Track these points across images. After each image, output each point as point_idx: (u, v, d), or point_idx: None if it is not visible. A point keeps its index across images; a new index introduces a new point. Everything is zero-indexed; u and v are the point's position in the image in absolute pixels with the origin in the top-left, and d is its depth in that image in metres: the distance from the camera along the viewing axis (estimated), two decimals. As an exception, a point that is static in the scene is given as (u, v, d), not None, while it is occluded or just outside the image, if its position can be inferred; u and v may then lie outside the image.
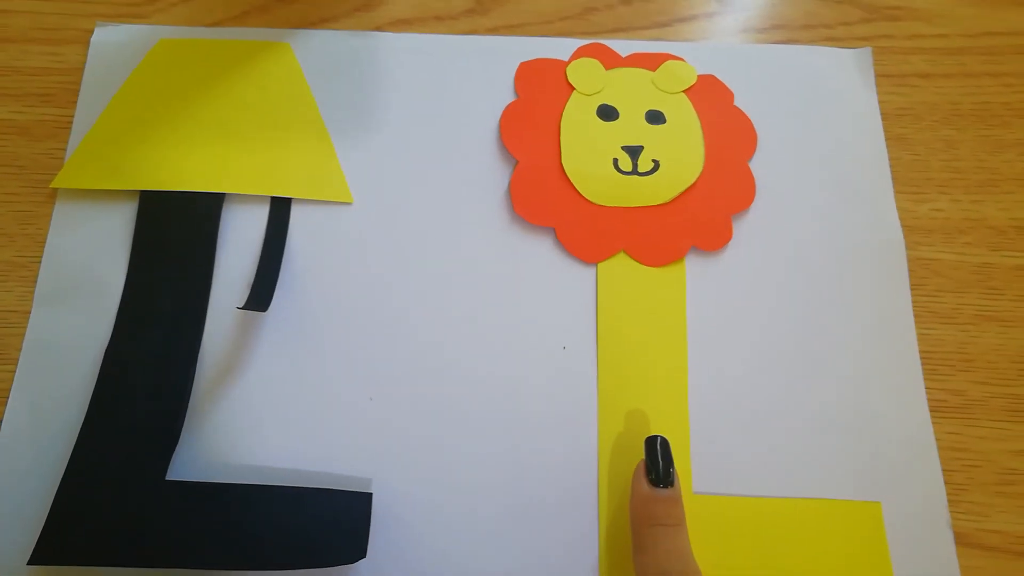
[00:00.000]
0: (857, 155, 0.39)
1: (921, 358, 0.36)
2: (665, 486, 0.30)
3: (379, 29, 0.41)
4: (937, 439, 0.34)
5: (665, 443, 0.31)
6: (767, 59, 0.41)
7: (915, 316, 0.36)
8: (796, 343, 0.36)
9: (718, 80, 0.40)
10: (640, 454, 0.32)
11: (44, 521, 0.30)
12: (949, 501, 0.33)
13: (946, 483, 0.34)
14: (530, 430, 0.34)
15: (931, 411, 0.35)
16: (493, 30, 0.42)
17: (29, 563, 0.29)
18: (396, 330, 0.35)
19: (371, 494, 0.32)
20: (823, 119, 0.40)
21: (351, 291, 0.36)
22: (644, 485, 0.30)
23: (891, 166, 0.39)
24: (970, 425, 0.35)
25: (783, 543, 0.32)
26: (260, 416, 0.34)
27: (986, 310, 0.37)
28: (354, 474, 0.33)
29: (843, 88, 0.41)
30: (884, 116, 0.40)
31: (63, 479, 0.31)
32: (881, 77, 0.41)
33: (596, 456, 0.34)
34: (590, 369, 0.35)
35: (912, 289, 0.37)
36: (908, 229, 0.38)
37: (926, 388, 0.35)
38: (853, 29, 0.42)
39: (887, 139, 0.40)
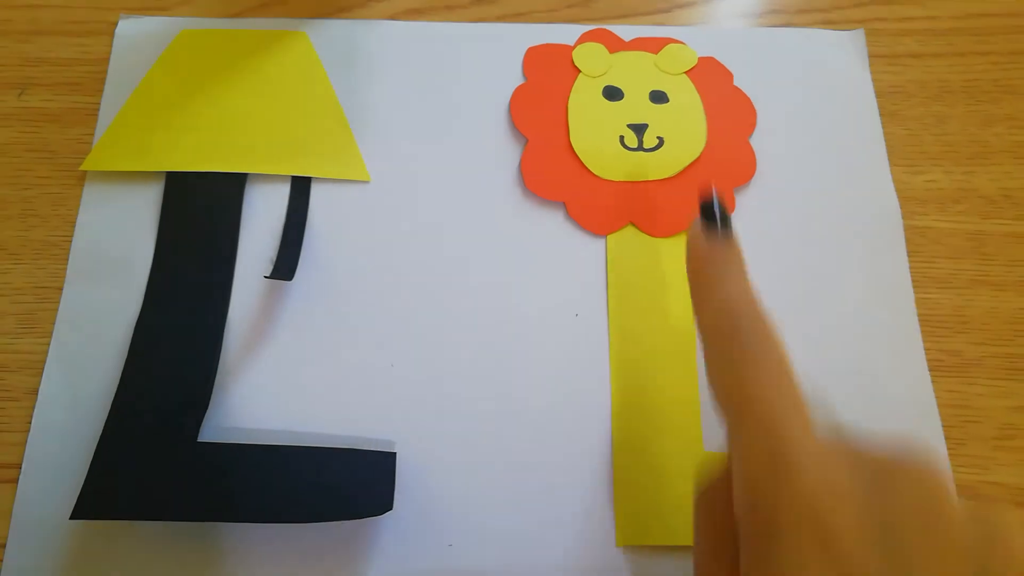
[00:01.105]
0: (853, 131, 0.41)
1: (919, 321, 0.37)
2: (724, 228, 0.27)
3: (392, 18, 0.43)
4: (936, 397, 0.36)
5: (721, 203, 0.28)
6: (765, 41, 0.43)
7: (913, 282, 0.38)
8: (798, 307, 0.37)
9: (718, 62, 0.42)
10: (652, 412, 0.34)
11: (83, 480, 0.31)
12: (949, 455, 0.35)
13: (946, 438, 0.35)
14: (545, 392, 0.35)
15: (930, 371, 0.36)
16: (501, 18, 0.43)
17: (71, 518, 0.30)
18: (414, 300, 0.37)
19: (395, 453, 0.33)
20: (820, 97, 0.42)
21: (370, 264, 0.37)
22: (700, 235, 0.27)
23: (886, 141, 0.41)
24: (968, 384, 0.36)
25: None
26: (285, 383, 0.35)
27: (980, 275, 0.38)
28: (377, 436, 0.34)
29: (838, 68, 0.42)
30: (878, 94, 0.42)
31: (100, 441, 0.32)
32: (874, 57, 0.43)
33: (609, 415, 0.35)
34: (602, 334, 0.36)
35: (909, 256, 0.38)
36: (904, 200, 0.39)
37: (925, 349, 0.37)
38: (847, 12, 0.44)
39: (881, 115, 0.41)
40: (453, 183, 0.39)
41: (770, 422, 0.22)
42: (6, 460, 0.33)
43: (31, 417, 0.34)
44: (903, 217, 0.39)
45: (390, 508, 0.31)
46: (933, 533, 0.20)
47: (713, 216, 0.27)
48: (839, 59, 0.43)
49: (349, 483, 0.32)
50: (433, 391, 0.35)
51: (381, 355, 0.36)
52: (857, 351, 0.36)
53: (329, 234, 0.38)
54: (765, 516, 0.21)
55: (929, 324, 0.37)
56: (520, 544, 0.33)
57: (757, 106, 0.41)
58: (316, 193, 0.39)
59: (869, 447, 0.22)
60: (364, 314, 0.36)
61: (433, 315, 0.36)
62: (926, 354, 0.36)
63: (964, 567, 0.19)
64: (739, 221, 0.38)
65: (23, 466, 0.33)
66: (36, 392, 0.34)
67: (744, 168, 0.40)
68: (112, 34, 0.42)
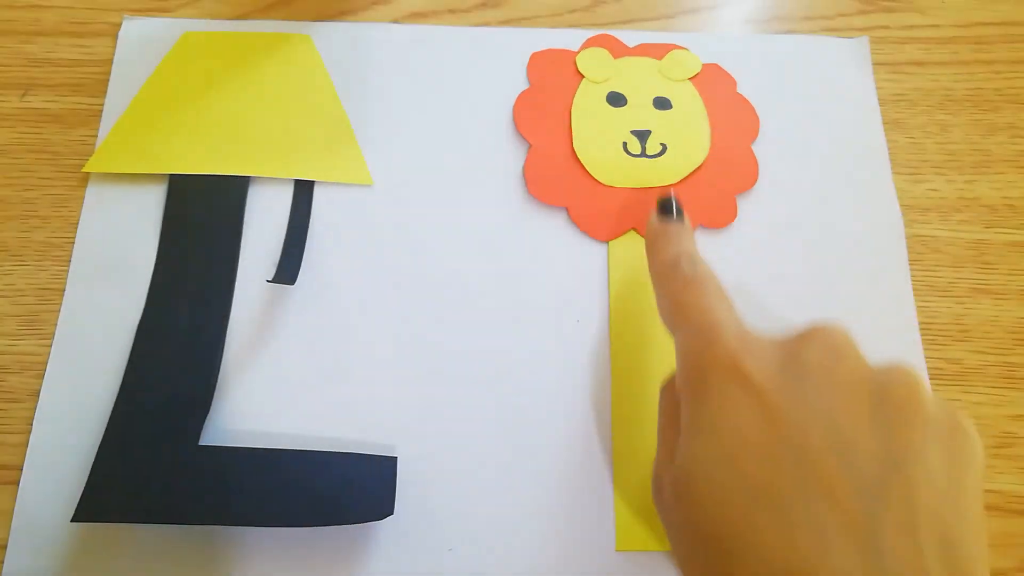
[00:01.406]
0: (855, 138, 0.41)
1: (920, 329, 0.37)
2: (673, 215, 0.32)
3: (396, 21, 0.43)
4: (936, 406, 0.36)
5: (677, 200, 0.33)
6: (769, 48, 0.43)
7: (914, 290, 0.38)
8: (800, 314, 0.37)
9: (722, 69, 0.42)
10: (652, 418, 0.34)
11: (84, 483, 0.31)
12: (949, 464, 0.35)
13: (945, 447, 0.35)
14: (546, 398, 0.35)
15: (930, 379, 0.36)
16: (505, 22, 0.43)
17: (72, 520, 0.30)
18: (416, 304, 0.37)
19: (396, 458, 0.33)
20: (823, 105, 0.42)
21: (372, 268, 0.37)
22: (654, 219, 0.33)
23: (888, 149, 0.41)
24: (967, 392, 0.36)
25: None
26: (286, 386, 0.35)
27: (981, 284, 0.38)
28: (378, 440, 0.34)
29: (841, 75, 0.43)
30: (881, 102, 0.42)
31: (101, 444, 0.32)
32: (878, 65, 0.43)
33: (610, 422, 0.35)
34: (603, 341, 0.36)
35: (910, 264, 0.38)
36: (906, 208, 0.39)
37: (925, 357, 0.37)
38: (851, 20, 0.44)
39: (884, 123, 0.41)
40: (456, 188, 0.39)
41: (700, 313, 0.27)
42: (8, 462, 0.33)
43: (32, 419, 0.34)
44: (905, 225, 0.39)
45: (391, 513, 0.31)
46: (834, 370, 0.25)
47: (669, 208, 0.33)
48: (842, 67, 0.43)
49: (350, 487, 0.32)
50: (434, 396, 0.35)
51: (383, 360, 0.36)
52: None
53: (331, 238, 0.38)
54: (697, 376, 0.26)
55: (929, 332, 0.37)
56: (520, 549, 0.33)
57: (760, 113, 0.41)
58: (319, 197, 0.39)
59: (789, 333, 0.27)
60: (365, 318, 0.36)
61: (434, 320, 0.36)
62: (926, 362, 0.37)
63: (862, 393, 0.24)
64: (740, 228, 0.38)
65: (24, 468, 0.33)
66: (38, 394, 0.34)
67: (747, 175, 0.40)
68: (115, 35, 0.42)
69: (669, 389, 0.29)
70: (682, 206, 0.33)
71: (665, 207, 0.32)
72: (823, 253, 0.39)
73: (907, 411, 0.24)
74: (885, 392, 0.24)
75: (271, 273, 0.36)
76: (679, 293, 0.28)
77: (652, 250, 0.32)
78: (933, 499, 0.22)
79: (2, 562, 0.32)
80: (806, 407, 0.24)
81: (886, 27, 0.44)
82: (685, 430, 0.26)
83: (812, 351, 0.25)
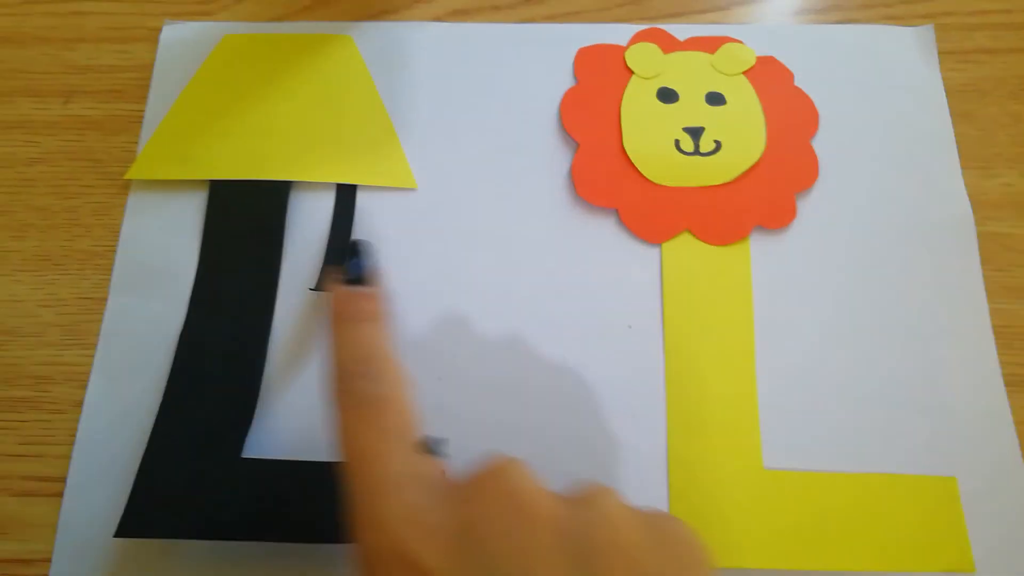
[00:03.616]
0: (922, 132, 0.39)
1: (994, 333, 0.35)
2: (356, 281, 0.27)
3: (438, 19, 0.42)
4: (1013, 413, 0.34)
5: (363, 243, 0.28)
6: (827, 39, 0.41)
7: (987, 292, 0.36)
8: (865, 318, 0.35)
9: (777, 61, 0.40)
10: (710, 429, 0.32)
11: (127, 497, 0.31)
12: (1026, 473, 0.33)
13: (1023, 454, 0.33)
14: (597, 407, 0.34)
15: (1007, 385, 0.34)
16: (550, 18, 0.42)
17: (115, 536, 0.30)
18: (462, 311, 0.36)
19: (443, 470, 0.32)
20: (886, 97, 0.40)
21: (417, 274, 0.36)
22: (338, 286, 0.27)
23: (957, 142, 0.39)
24: (1048, 399, 0.34)
25: (856, 519, 0.32)
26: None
27: (1060, 284, 0.36)
28: (425, 452, 0.33)
29: (905, 66, 0.40)
30: (948, 93, 0.40)
31: (143, 458, 0.32)
32: (944, 54, 0.41)
33: (664, 432, 0.33)
34: (656, 347, 0.35)
35: (982, 264, 0.36)
36: (976, 204, 0.37)
37: (1000, 363, 0.35)
38: (913, 7, 0.42)
39: (952, 115, 0.39)
40: (501, 190, 0.38)
41: (367, 464, 0.22)
42: (52, 473, 0.33)
43: (76, 430, 0.33)
44: (976, 223, 0.37)
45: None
46: (515, 533, 0.20)
47: (358, 268, 0.27)
48: (906, 56, 0.41)
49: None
50: (481, 405, 0.34)
51: (428, 368, 0.35)
52: (927, 364, 0.35)
53: (375, 243, 0.37)
54: (362, 562, 0.21)
55: (1005, 336, 0.35)
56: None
57: (819, 107, 0.39)
58: (361, 201, 0.38)
59: (462, 476, 0.22)
60: (410, 326, 0.35)
61: (480, 327, 0.35)
62: (1002, 368, 0.34)
63: (553, 554, 0.20)
64: (800, 228, 0.37)
65: (68, 480, 0.33)
66: (81, 405, 0.34)
67: (806, 172, 0.38)
68: (156, 40, 0.41)
69: None
70: (375, 263, 0.28)
71: (354, 268, 0.27)
72: (888, 254, 0.37)
73: (608, 556, 0.20)
74: (580, 542, 0.20)
75: (313, 280, 0.36)
76: (348, 418, 0.23)
77: (335, 331, 0.26)
78: None
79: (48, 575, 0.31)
80: None
81: (951, 13, 0.42)
82: None
83: (487, 512, 0.21)
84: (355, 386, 0.24)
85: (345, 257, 0.26)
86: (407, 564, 0.20)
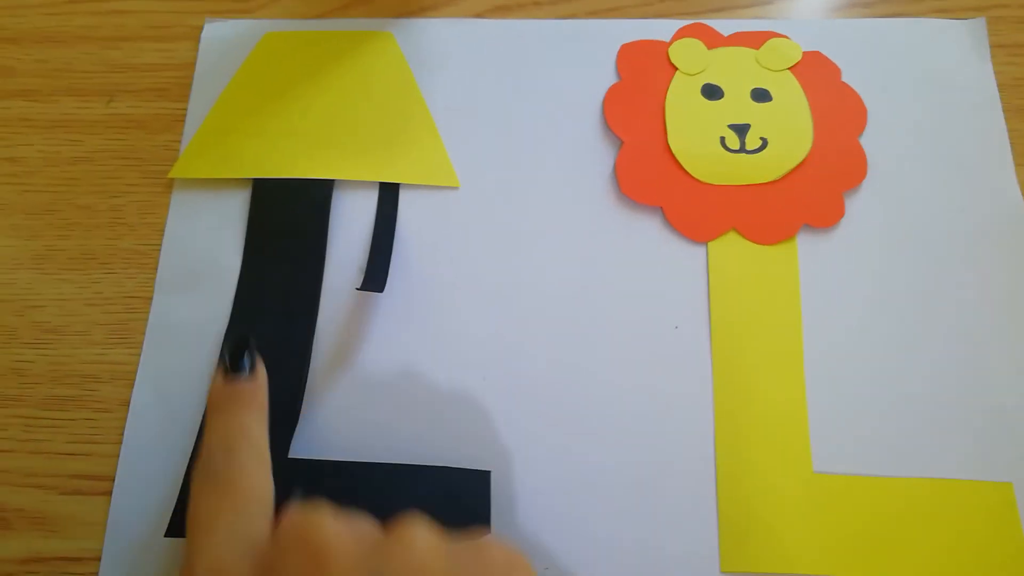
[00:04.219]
0: (973, 128, 0.38)
1: (1049, 336, 0.34)
2: (234, 371, 0.28)
3: (479, 16, 0.42)
4: (1067, 415, 0.33)
5: (242, 337, 0.29)
6: (875, 33, 0.40)
7: (1042, 292, 0.35)
8: (915, 319, 0.35)
9: (824, 56, 0.40)
10: (758, 430, 0.32)
11: (176, 496, 0.31)
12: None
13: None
14: (643, 409, 0.34)
15: (1062, 391, 0.33)
16: (592, 14, 0.41)
17: (166, 535, 0.30)
18: (506, 311, 0.35)
19: (489, 472, 0.32)
20: (936, 93, 0.39)
21: (461, 273, 0.36)
22: (217, 377, 0.28)
23: (1010, 138, 0.38)
24: (1105, 403, 0.33)
25: (908, 524, 0.31)
26: (374, 396, 0.34)
27: (1118, 284, 0.35)
28: (470, 452, 0.33)
29: (956, 60, 0.40)
30: (1001, 88, 0.39)
31: (191, 458, 0.32)
32: (996, 48, 0.40)
33: (712, 434, 0.33)
34: (703, 349, 0.34)
35: (1037, 265, 0.36)
36: (1030, 202, 0.37)
37: (1055, 367, 0.34)
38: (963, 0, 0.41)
39: (1005, 111, 0.38)
40: (545, 188, 0.38)
41: (194, 537, 0.24)
42: (101, 472, 0.33)
43: (124, 429, 0.34)
44: (1030, 222, 0.36)
45: (488, 529, 0.30)
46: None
47: (237, 364, 0.28)
48: (957, 50, 0.40)
49: (444, 502, 0.31)
50: (525, 406, 0.34)
51: (473, 368, 0.34)
52: (979, 365, 0.34)
53: (418, 243, 0.37)
54: None
55: (1060, 337, 0.34)
56: (619, 568, 0.31)
57: (867, 103, 0.39)
58: (404, 200, 0.37)
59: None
60: (454, 325, 0.35)
61: (525, 326, 0.35)
62: (1056, 369, 0.34)
63: None
64: (848, 226, 0.36)
65: (116, 479, 0.33)
66: (128, 404, 0.34)
67: (854, 170, 0.37)
68: (197, 39, 0.41)
69: None
70: (256, 359, 0.28)
71: (234, 362, 0.28)
72: (939, 254, 0.36)
73: None
74: None
75: (358, 280, 0.36)
76: (195, 491, 0.25)
77: (207, 417, 0.27)
78: None
79: (97, 575, 0.31)
80: None
81: (1004, 5, 0.41)
82: None
83: (284, 561, 0.22)
84: (210, 467, 0.25)
85: (227, 349, 0.28)
86: None
